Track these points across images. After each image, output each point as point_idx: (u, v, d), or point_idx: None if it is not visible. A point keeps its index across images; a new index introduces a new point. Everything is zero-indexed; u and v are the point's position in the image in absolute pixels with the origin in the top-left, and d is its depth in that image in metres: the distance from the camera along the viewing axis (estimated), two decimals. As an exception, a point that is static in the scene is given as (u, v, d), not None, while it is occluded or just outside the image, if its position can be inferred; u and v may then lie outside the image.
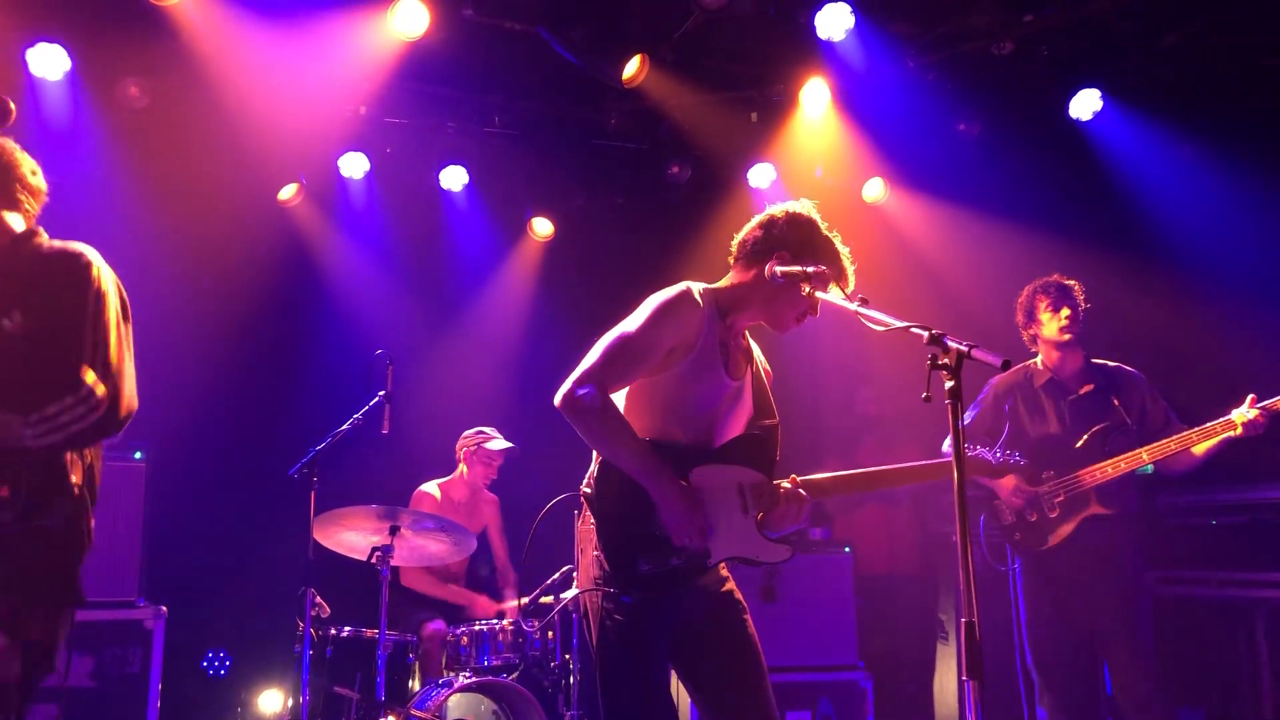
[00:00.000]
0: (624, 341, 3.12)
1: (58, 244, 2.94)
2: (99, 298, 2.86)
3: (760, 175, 7.07)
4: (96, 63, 5.67)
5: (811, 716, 5.66)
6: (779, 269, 3.30)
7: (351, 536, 4.99)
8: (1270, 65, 6.37)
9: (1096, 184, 6.71)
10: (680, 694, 4.27)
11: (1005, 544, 4.91)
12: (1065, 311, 4.83)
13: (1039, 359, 5.01)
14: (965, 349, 2.64)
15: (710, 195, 7.26)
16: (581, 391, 3.04)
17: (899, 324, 2.86)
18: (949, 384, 2.64)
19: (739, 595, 3.29)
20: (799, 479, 3.34)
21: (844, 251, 3.37)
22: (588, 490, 3.19)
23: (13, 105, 2.30)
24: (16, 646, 2.65)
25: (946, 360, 2.66)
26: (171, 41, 5.46)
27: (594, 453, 3.24)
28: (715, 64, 6.37)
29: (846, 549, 6.09)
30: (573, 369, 3.23)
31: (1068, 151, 6.66)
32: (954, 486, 2.65)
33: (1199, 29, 6.14)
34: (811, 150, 6.85)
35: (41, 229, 3.00)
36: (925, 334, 2.72)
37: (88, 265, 2.88)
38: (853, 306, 3.05)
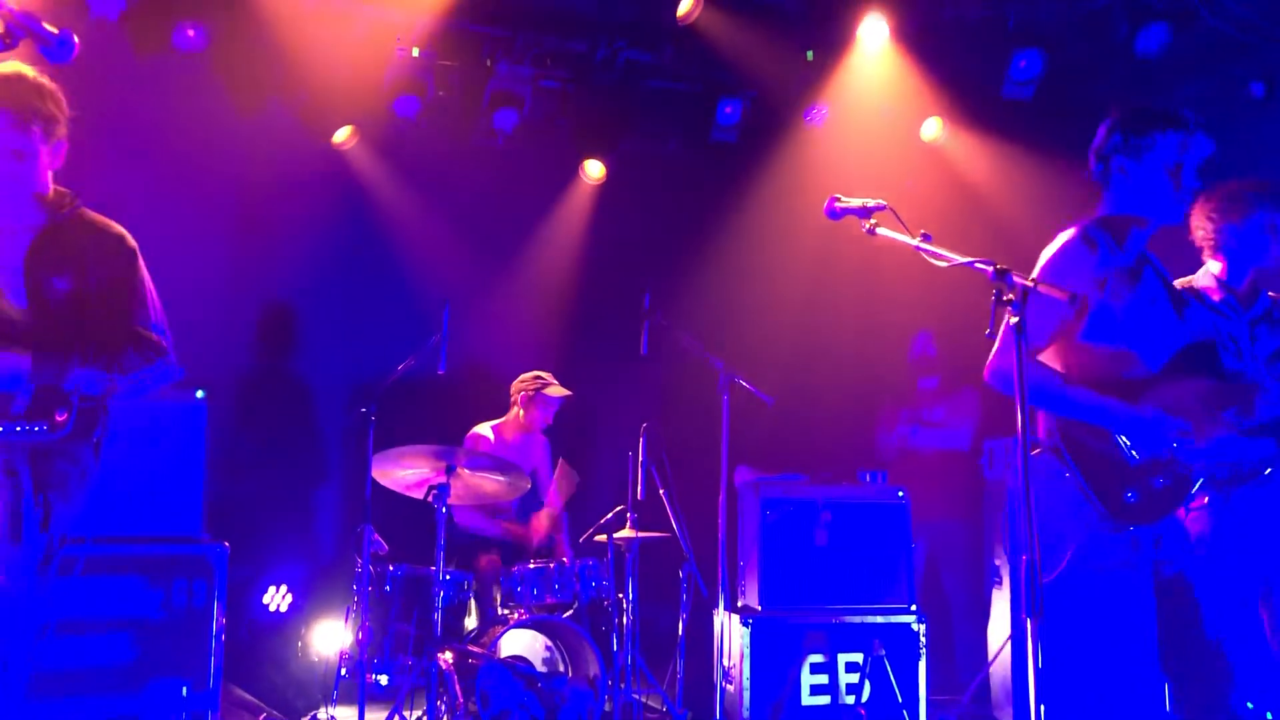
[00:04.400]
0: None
1: (98, 218, 3.26)
2: (138, 260, 3.26)
3: (816, 114, 6.96)
4: (153, 4, 5.69)
5: (865, 659, 5.67)
6: (839, 205, 3.25)
7: (408, 475, 5.05)
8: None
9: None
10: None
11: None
12: None
13: (1206, 270, 4.03)
14: (1031, 283, 2.60)
15: (765, 135, 7.17)
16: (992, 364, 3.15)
17: (962, 260, 2.83)
18: (1014, 320, 2.61)
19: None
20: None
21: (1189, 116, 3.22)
22: (1053, 444, 3.18)
23: (76, 38, 2.31)
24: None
25: (1011, 295, 2.62)
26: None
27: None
28: (771, 4, 6.26)
29: (901, 493, 6.05)
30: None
31: (1135, 90, 6.47)
32: (1018, 425, 2.63)
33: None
34: (869, 88, 6.71)
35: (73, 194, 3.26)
36: (990, 269, 2.69)
37: (123, 236, 3.27)
38: (914, 242, 3.02)
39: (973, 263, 2.76)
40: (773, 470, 6.10)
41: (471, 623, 5.50)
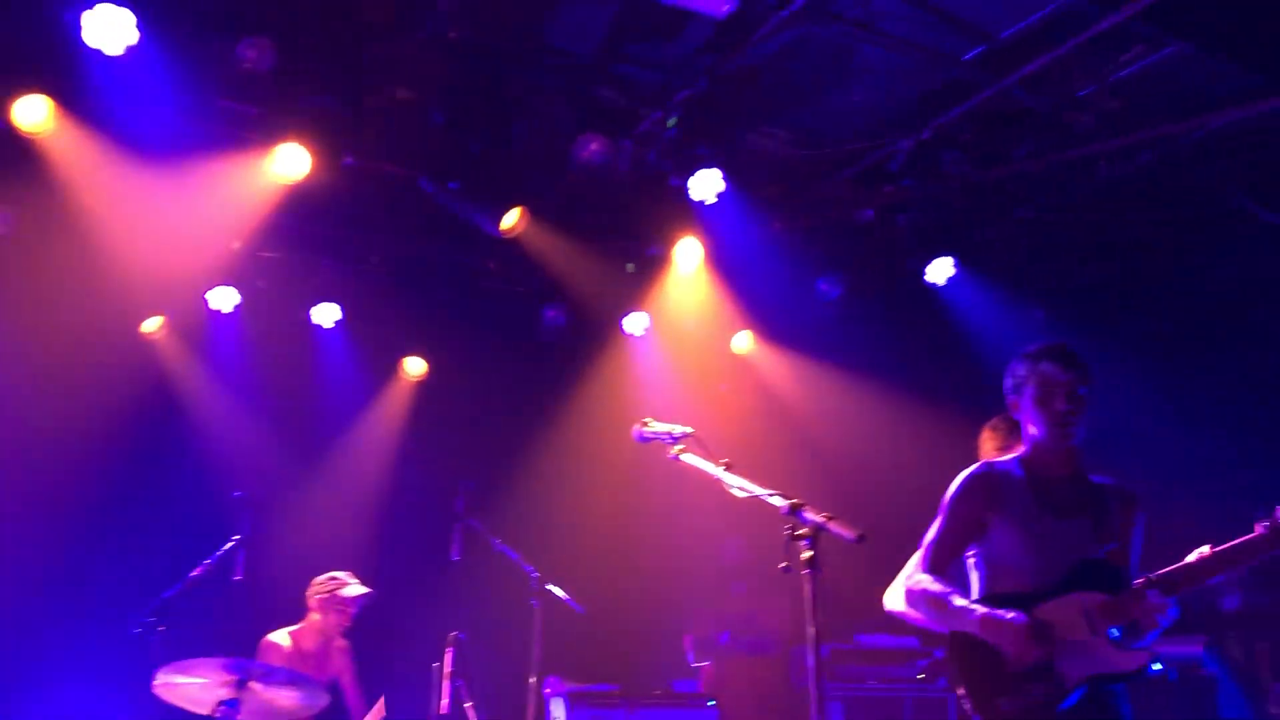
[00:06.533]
0: (933, 531, 3.54)
1: None
2: None
3: (635, 323, 7.22)
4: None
5: None
6: (646, 430, 3.36)
7: (195, 690, 4.72)
8: (1115, 239, 6.87)
9: (951, 346, 7.03)
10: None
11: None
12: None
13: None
14: (822, 521, 2.71)
15: (586, 341, 7.36)
16: (906, 584, 3.51)
17: (760, 492, 2.93)
18: (806, 555, 2.71)
19: None
20: (1148, 582, 3.31)
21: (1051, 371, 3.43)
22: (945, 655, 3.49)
23: None
24: None
25: (804, 531, 2.72)
26: (39, 170, 5.36)
27: None
28: (593, 218, 6.54)
29: (711, 703, 6.03)
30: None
31: (925, 314, 6.99)
32: (810, 651, 2.70)
33: (1050, 203, 6.58)
34: (685, 302, 7.03)
35: None
36: (785, 504, 2.79)
37: None
38: (716, 471, 3.12)
39: (769, 495, 2.87)
40: (584, 680, 6.00)
41: None
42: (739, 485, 3.01)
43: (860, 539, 2.62)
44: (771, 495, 2.87)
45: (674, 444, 3.29)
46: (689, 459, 3.24)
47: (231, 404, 6.84)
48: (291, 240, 6.63)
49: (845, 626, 6.43)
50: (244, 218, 6.04)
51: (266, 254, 6.67)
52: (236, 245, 6.44)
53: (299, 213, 6.22)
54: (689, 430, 3.30)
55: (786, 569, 2.74)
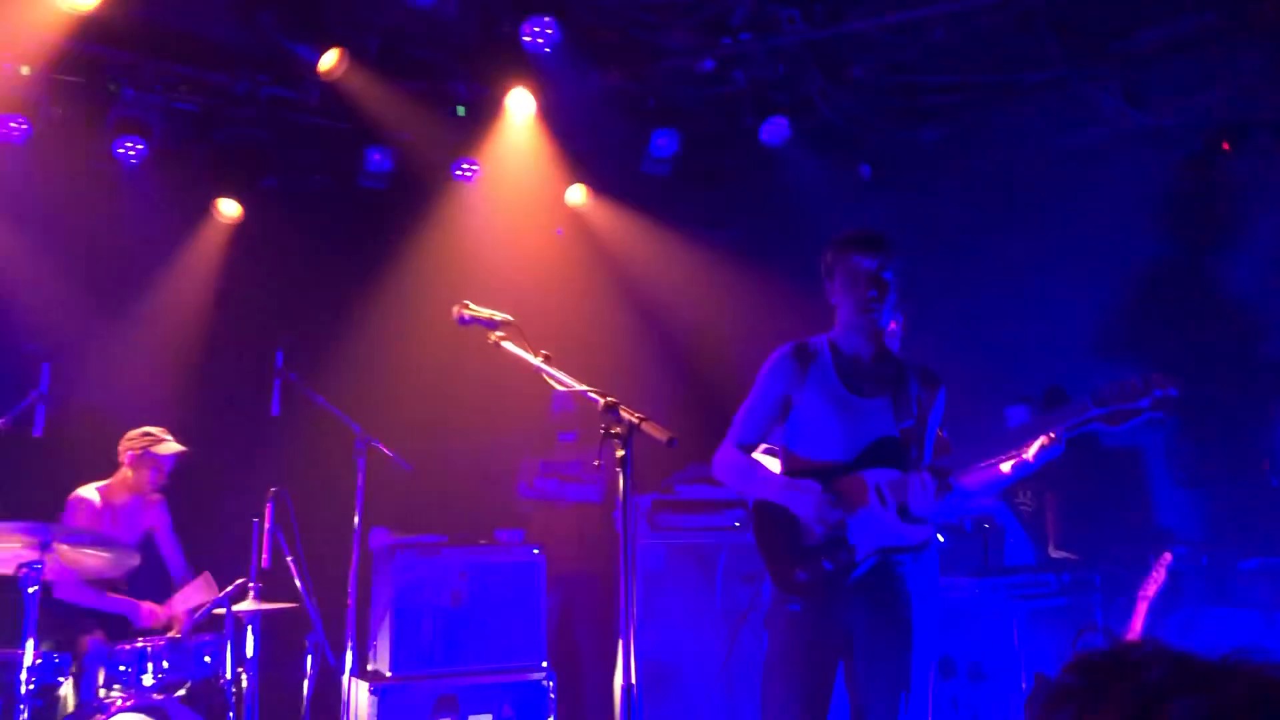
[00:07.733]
0: (744, 406, 3.67)
1: None
2: None
3: (466, 170, 7.00)
4: None
5: (495, 719, 5.73)
6: (467, 313, 3.30)
7: (-5, 552, 4.55)
8: (944, 102, 6.93)
9: (783, 207, 7.08)
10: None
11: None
12: None
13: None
14: (636, 420, 2.74)
15: (415, 186, 7.09)
16: (716, 455, 3.66)
17: (578, 387, 2.95)
18: (620, 453, 2.74)
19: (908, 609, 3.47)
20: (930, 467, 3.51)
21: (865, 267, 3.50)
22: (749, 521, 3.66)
23: None
24: None
25: (618, 429, 2.75)
26: None
27: None
28: (422, 60, 6.20)
29: (536, 550, 6.17)
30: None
31: (758, 174, 6.99)
32: (623, 551, 2.77)
33: (879, 67, 6.58)
34: (518, 151, 6.82)
35: None
36: (600, 401, 2.81)
37: None
38: (536, 362, 3.11)
39: (586, 392, 2.88)
40: (411, 532, 6.04)
41: (69, 709, 5.02)
42: (557, 378, 3.01)
43: (670, 442, 2.66)
44: (588, 391, 2.88)
45: (494, 329, 3.25)
46: (509, 347, 3.22)
47: (24, 246, 6.32)
48: (91, 66, 6.07)
49: (665, 476, 6.60)
50: (34, 38, 5.50)
51: (64, 77, 6.10)
52: (25, 70, 5.88)
53: (100, 37, 5.70)
54: (509, 318, 3.26)
55: (600, 467, 2.78)
